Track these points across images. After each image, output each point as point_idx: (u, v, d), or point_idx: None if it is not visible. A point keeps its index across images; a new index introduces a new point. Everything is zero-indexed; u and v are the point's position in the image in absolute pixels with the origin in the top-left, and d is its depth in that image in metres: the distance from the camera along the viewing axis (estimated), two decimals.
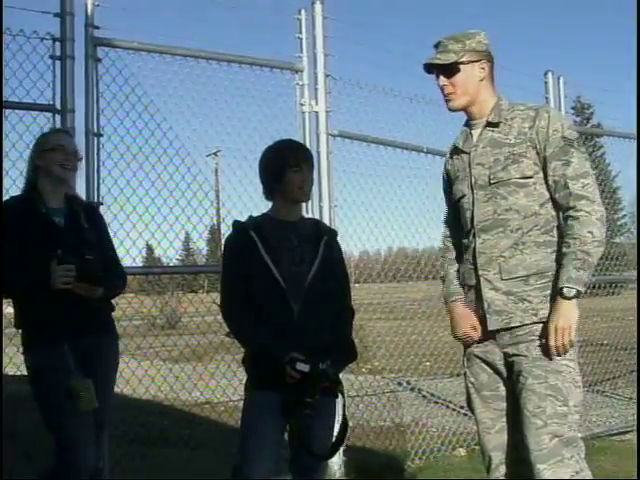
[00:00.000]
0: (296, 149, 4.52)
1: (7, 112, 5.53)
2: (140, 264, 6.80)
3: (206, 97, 6.49)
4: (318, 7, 6.88)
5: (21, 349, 4.61)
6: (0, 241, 4.49)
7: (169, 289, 25.73)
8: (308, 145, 6.68)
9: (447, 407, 9.95)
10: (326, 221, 6.59)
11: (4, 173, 5.51)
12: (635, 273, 9.70)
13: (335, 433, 4.37)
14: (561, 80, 8.78)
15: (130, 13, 6.35)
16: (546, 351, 3.96)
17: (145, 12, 6.48)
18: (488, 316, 4.12)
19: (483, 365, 4.26)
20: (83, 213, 4.72)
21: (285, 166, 4.32)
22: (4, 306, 5.72)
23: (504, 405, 4.23)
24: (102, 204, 5.70)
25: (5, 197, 4.94)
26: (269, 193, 4.44)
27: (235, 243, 4.37)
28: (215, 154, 8.45)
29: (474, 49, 4.23)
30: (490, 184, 4.16)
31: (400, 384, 11.61)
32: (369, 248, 7.92)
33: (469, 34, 4.26)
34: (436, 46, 4.30)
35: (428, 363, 12.04)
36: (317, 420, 4.14)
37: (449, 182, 4.52)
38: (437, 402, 10.44)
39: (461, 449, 7.84)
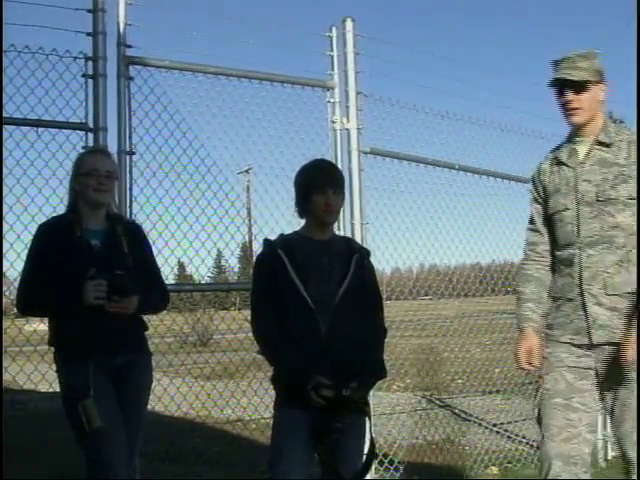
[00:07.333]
0: (321, 170, 4.48)
1: (40, 130, 5.58)
2: (172, 281, 6.82)
3: (238, 115, 6.51)
4: (349, 24, 6.88)
5: (53, 366, 4.63)
6: (36, 262, 4.55)
7: (201, 306, 25.82)
8: (340, 162, 6.67)
9: (480, 425, 9.88)
10: (357, 238, 6.57)
11: (38, 191, 5.58)
12: None
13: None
14: None
15: (161, 32, 6.39)
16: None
17: (176, 31, 6.50)
18: (592, 330, 4.23)
19: (566, 373, 4.33)
20: (125, 235, 4.72)
21: (310, 188, 4.32)
22: (37, 324, 5.76)
23: (574, 416, 4.28)
24: (135, 221, 5.70)
25: (44, 218, 4.98)
26: (300, 212, 4.45)
27: (264, 261, 4.37)
28: (247, 171, 8.48)
29: (597, 69, 4.34)
30: (598, 201, 4.26)
31: (432, 402, 11.54)
32: (401, 265, 7.90)
33: (594, 54, 4.36)
34: (559, 62, 4.37)
35: (460, 381, 12.01)
36: (347, 440, 4.13)
37: (545, 192, 4.55)
38: (469, 420, 10.36)
39: (494, 467, 7.79)
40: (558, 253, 4.45)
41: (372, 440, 4.35)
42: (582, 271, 4.26)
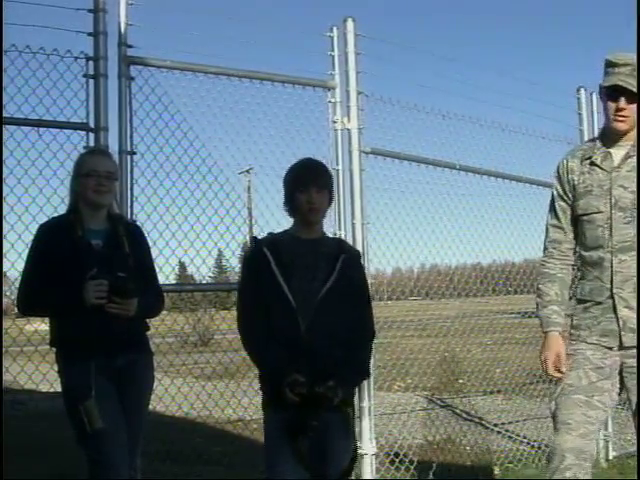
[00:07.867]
0: (306, 169, 4.48)
1: (41, 130, 5.58)
2: (173, 281, 6.82)
3: (238, 115, 6.51)
4: (350, 24, 6.86)
5: (54, 366, 4.63)
6: (36, 262, 4.56)
7: (202, 306, 25.78)
8: (340, 162, 6.68)
9: (481, 425, 9.87)
10: (358, 238, 6.58)
11: (39, 191, 5.59)
12: None
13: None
14: (594, 96, 8.70)
15: (162, 32, 6.39)
16: None
17: (177, 31, 6.51)
18: (623, 333, 4.29)
19: (590, 372, 4.36)
20: (126, 235, 4.73)
21: (294, 186, 4.33)
22: (38, 323, 5.76)
23: (594, 414, 4.32)
24: (135, 222, 5.70)
25: (45, 218, 5.00)
26: (289, 210, 4.45)
27: (250, 260, 4.39)
28: (247, 171, 8.47)
29: None
30: (633, 208, 4.30)
31: (433, 401, 11.53)
32: (402, 265, 7.90)
33: None
34: (616, 64, 4.36)
35: (461, 381, 12.00)
36: (333, 441, 4.16)
37: (575, 192, 4.55)
38: (471, 420, 10.36)
39: (494, 467, 7.78)
40: (585, 254, 4.48)
41: (355, 440, 4.40)
42: (613, 275, 4.31)
